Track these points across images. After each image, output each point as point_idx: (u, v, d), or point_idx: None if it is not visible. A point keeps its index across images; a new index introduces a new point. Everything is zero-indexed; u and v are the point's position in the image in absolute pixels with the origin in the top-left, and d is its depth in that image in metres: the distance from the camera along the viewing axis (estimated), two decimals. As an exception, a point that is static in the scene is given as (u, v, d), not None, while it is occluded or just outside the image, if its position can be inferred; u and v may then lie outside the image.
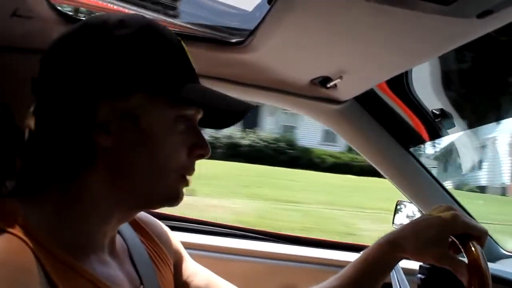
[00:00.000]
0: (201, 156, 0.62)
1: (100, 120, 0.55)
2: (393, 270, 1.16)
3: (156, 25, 0.59)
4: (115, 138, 0.55)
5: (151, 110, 0.56)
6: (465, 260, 0.64)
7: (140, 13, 0.62)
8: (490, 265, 0.64)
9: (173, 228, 0.81)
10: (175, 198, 0.61)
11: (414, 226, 0.70)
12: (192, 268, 0.79)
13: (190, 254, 0.81)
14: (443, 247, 0.66)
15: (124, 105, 0.55)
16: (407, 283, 1.10)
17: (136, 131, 0.56)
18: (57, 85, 0.56)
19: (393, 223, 1.54)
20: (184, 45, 0.62)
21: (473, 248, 0.63)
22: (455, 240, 0.66)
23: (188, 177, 0.62)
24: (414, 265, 1.38)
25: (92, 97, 0.54)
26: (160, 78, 0.56)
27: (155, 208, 0.64)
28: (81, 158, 0.56)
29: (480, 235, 0.66)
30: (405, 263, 1.43)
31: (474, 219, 1.27)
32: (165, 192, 0.60)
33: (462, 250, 0.65)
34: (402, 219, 1.53)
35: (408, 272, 1.42)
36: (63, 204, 0.56)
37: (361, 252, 0.76)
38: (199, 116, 0.63)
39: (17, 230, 0.49)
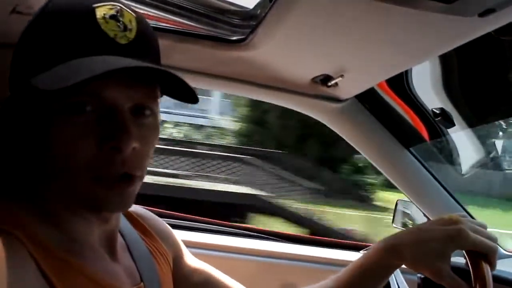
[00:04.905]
0: (115, 149, 0.50)
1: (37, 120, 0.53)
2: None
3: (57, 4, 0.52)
4: (38, 140, 0.54)
5: (35, 103, 0.52)
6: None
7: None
8: None
9: (173, 226, 0.81)
10: (94, 202, 0.53)
11: (416, 235, 0.66)
12: (192, 264, 0.78)
13: (190, 253, 0.81)
14: (445, 263, 0.62)
15: (33, 103, 0.53)
16: (406, 285, 1.09)
17: (37, 131, 0.53)
18: (15, 80, 0.55)
19: (393, 222, 1.54)
20: (98, 15, 0.50)
21: (483, 269, 0.60)
22: (464, 254, 0.63)
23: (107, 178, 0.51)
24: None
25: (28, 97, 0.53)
26: (35, 65, 0.51)
27: (90, 213, 0.56)
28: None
29: (488, 253, 0.62)
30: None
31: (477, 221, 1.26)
32: (80, 195, 0.53)
33: (470, 266, 0.61)
34: (401, 219, 1.53)
35: (408, 271, 1.42)
36: (47, 205, 0.55)
37: (360, 252, 0.75)
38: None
39: (10, 227, 0.49)
